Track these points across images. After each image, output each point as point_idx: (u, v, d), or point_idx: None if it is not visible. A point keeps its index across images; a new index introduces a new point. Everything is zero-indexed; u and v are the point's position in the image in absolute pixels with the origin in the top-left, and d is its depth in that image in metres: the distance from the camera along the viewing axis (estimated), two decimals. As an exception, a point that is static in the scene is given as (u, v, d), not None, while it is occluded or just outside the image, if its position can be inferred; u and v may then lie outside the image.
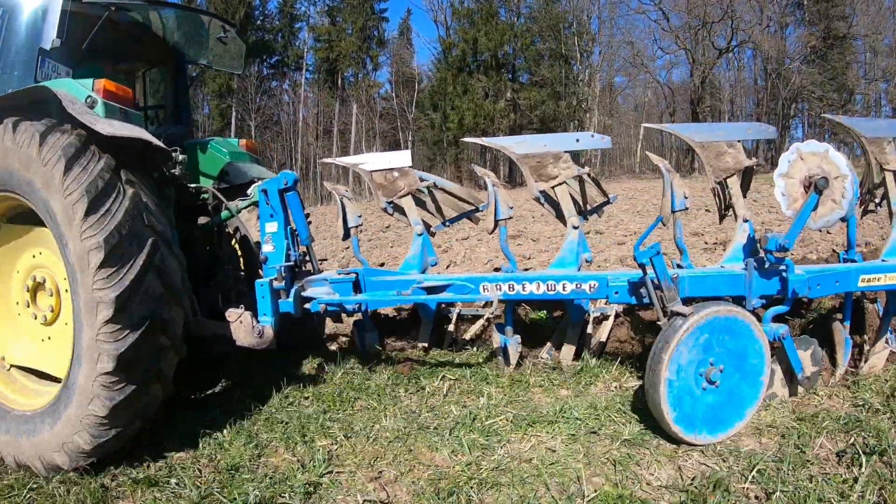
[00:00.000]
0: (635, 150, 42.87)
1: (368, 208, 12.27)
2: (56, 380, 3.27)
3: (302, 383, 4.18)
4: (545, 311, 4.87)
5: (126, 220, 2.89)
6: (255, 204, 4.14)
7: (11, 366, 3.47)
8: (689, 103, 40.40)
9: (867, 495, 2.48)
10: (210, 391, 4.25)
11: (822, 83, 36.09)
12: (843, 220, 3.50)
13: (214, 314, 3.89)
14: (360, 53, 47.09)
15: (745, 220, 3.71)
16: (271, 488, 2.81)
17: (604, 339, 4.40)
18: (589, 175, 4.07)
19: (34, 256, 3.39)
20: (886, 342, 3.98)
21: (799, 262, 5.60)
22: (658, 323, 3.28)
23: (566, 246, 3.91)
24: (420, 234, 4.41)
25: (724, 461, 2.93)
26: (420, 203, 4.58)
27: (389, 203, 4.45)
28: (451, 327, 4.82)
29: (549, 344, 4.38)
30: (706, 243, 8.78)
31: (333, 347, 5.05)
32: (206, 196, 4.36)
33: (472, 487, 2.76)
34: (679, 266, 3.85)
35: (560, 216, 4.05)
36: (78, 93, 3.22)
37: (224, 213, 4.31)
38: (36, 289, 3.36)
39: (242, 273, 4.77)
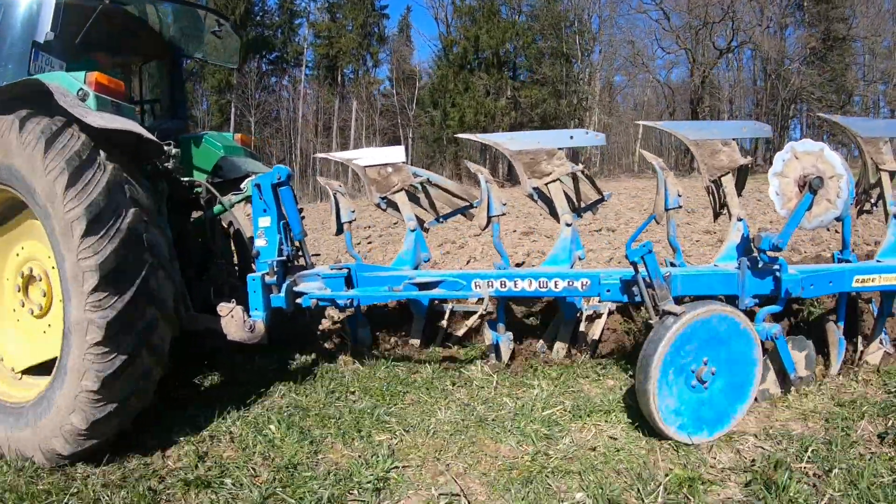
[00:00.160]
0: (634, 150, 42.85)
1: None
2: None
3: (345, 378, 4.12)
4: None
5: (107, 190, 2.89)
6: (249, 198, 4.12)
7: (21, 373, 3.44)
8: (689, 103, 40.38)
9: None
10: (247, 387, 4.11)
11: (822, 84, 36.09)
12: (838, 219, 3.47)
13: (207, 308, 3.88)
14: (361, 50, 47.03)
15: (739, 219, 3.69)
16: (337, 486, 2.75)
17: (596, 336, 4.38)
18: (583, 172, 4.06)
19: (18, 255, 3.40)
20: (881, 343, 3.98)
21: (813, 260, 5.60)
22: (649, 322, 3.26)
23: (559, 243, 3.90)
24: (413, 230, 4.39)
25: (779, 444, 3.01)
26: (413, 199, 4.56)
27: (383, 198, 4.44)
28: (444, 323, 4.80)
29: (541, 341, 4.36)
30: (720, 242, 8.80)
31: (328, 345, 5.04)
32: (199, 190, 4.34)
33: (545, 476, 2.78)
34: (672, 265, 3.83)
35: (553, 213, 4.04)
36: (70, 85, 3.22)
37: (217, 208, 4.29)
38: (27, 283, 3.34)
39: (235, 267, 4.75)
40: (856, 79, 38.14)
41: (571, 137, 3.94)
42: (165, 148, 3.67)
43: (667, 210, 3.76)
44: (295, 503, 2.62)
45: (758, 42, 38.43)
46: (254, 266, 3.98)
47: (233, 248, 4.91)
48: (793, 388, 3.56)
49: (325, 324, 5.22)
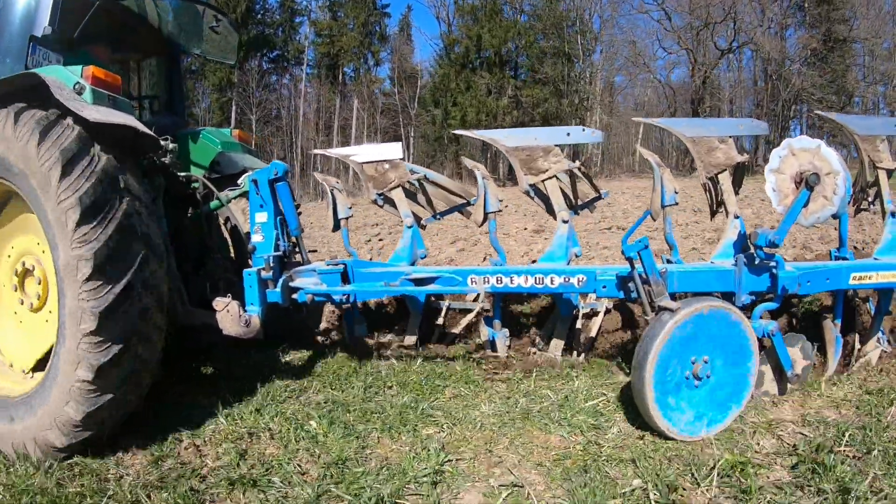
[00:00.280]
0: (635, 149, 42.82)
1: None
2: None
3: (381, 373, 4.10)
4: None
5: (100, 180, 2.89)
6: (246, 194, 4.12)
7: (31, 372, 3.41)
8: (690, 103, 40.37)
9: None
10: (275, 382, 4.03)
11: (822, 85, 36.07)
12: (834, 217, 3.47)
13: (203, 303, 3.87)
14: (362, 49, 47.01)
15: (736, 217, 3.69)
16: (391, 481, 2.71)
17: (593, 334, 4.38)
18: (580, 169, 4.05)
19: (10, 255, 3.39)
20: (878, 341, 3.97)
21: (823, 258, 5.57)
22: (645, 318, 3.26)
23: (555, 240, 3.89)
24: (410, 227, 4.39)
25: (816, 429, 3.09)
26: (410, 195, 4.56)
27: (380, 195, 4.43)
28: (440, 320, 4.80)
29: (537, 338, 4.36)
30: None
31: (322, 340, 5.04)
32: (196, 185, 4.34)
33: (600, 464, 2.81)
34: (669, 261, 3.83)
35: (550, 210, 4.03)
36: (66, 79, 3.21)
37: (214, 203, 4.29)
38: (23, 278, 3.34)
39: (231, 263, 4.74)
40: (856, 80, 38.12)
41: (568, 134, 3.93)
42: (162, 143, 3.67)
43: (663, 207, 3.75)
44: (351, 499, 2.57)
45: (759, 43, 38.41)
46: (250, 261, 3.98)
47: (230, 243, 4.91)
48: (788, 386, 3.56)
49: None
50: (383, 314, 5.13)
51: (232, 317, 3.68)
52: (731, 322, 3.11)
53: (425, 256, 4.49)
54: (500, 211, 4.11)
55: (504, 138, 3.92)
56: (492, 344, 4.23)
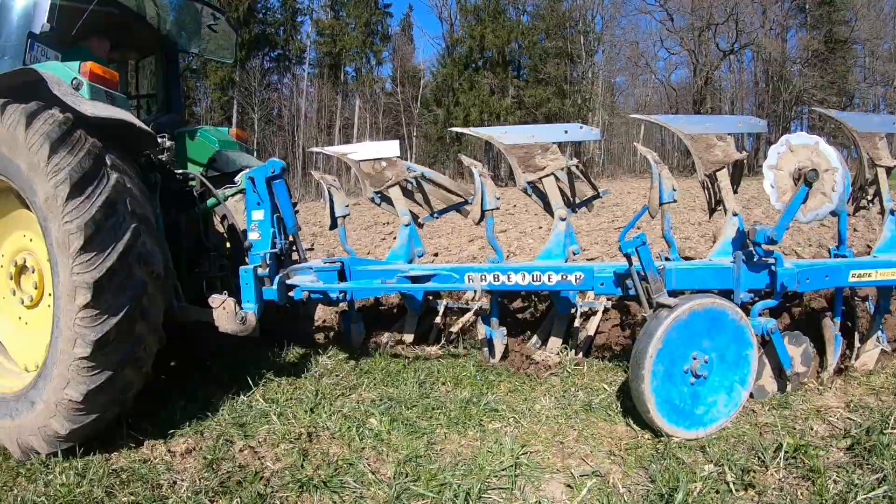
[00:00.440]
0: (636, 149, 42.72)
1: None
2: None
3: (432, 369, 4.07)
4: None
5: (86, 159, 2.87)
6: (243, 192, 4.10)
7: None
8: (692, 104, 40.36)
9: None
10: (328, 382, 3.99)
11: (823, 86, 36.05)
12: (833, 214, 3.45)
13: (199, 300, 3.86)
14: (364, 48, 47.00)
15: (735, 214, 3.66)
16: (470, 476, 2.68)
17: (592, 333, 4.35)
18: (577, 167, 4.03)
19: (3, 255, 3.38)
20: (877, 340, 3.94)
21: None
22: (643, 315, 3.24)
23: (553, 238, 3.88)
24: (407, 225, 4.37)
25: (862, 414, 3.19)
26: (408, 194, 4.54)
27: (377, 193, 4.42)
28: (438, 319, 4.78)
29: (535, 337, 4.34)
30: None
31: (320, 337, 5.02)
32: (193, 183, 4.33)
33: (671, 451, 2.84)
34: (667, 259, 3.80)
35: (548, 208, 4.01)
36: (64, 75, 3.22)
37: (211, 201, 4.28)
38: (20, 272, 3.33)
39: (228, 260, 4.73)
40: (857, 81, 38.11)
41: (566, 132, 3.91)
42: (159, 140, 3.66)
43: (661, 204, 3.73)
44: (434, 496, 2.51)
45: (760, 44, 38.40)
46: (247, 259, 3.97)
47: (227, 240, 4.89)
48: (787, 385, 3.53)
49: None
50: (381, 313, 5.11)
51: (228, 314, 3.67)
52: (729, 320, 3.08)
53: (422, 255, 4.47)
54: (497, 209, 4.09)
55: (502, 135, 3.91)
56: (489, 342, 4.20)
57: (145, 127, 3.26)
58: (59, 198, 2.78)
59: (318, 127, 46.38)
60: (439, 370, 4.06)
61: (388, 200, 4.45)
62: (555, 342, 4.22)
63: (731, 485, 2.54)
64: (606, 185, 4.07)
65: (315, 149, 5.02)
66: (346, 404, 3.55)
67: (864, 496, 2.37)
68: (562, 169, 3.98)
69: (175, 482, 2.68)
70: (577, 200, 4.27)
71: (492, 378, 3.90)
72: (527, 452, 2.91)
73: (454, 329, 4.76)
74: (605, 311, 4.51)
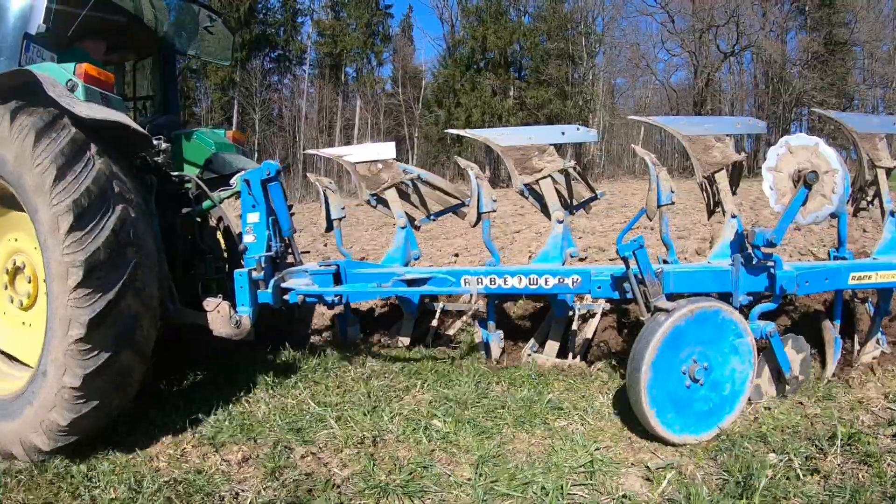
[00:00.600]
0: (635, 151, 42.69)
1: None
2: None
3: (482, 369, 4.03)
4: None
5: (72, 145, 2.88)
6: (238, 194, 4.08)
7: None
8: (692, 105, 40.35)
9: None
10: (378, 384, 3.89)
11: (823, 88, 36.05)
12: (833, 216, 3.42)
13: (195, 303, 3.83)
14: (365, 49, 47.00)
15: (734, 216, 3.63)
16: (549, 473, 2.67)
17: (589, 336, 4.32)
18: (575, 169, 4.00)
19: None
20: (877, 342, 3.92)
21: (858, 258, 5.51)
22: (641, 318, 3.21)
23: (550, 240, 3.85)
24: (403, 228, 4.34)
25: (885, 413, 3.26)
26: (404, 196, 4.52)
27: (373, 195, 4.39)
28: (434, 322, 4.75)
29: (532, 340, 4.30)
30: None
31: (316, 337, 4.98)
32: (189, 185, 4.30)
33: (736, 441, 2.92)
34: (665, 262, 3.77)
35: (545, 210, 3.98)
36: (59, 76, 3.20)
37: (206, 203, 4.25)
38: (14, 276, 3.31)
39: (223, 263, 4.70)
40: (856, 83, 38.12)
41: (563, 133, 3.88)
42: (155, 142, 3.64)
43: (659, 206, 3.70)
44: (520, 496, 2.50)
45: (760, 46, 38.40)
46: (242, 262, 3.94)
47: (222, 243, 4.86)
48: (786, 388, 3.50)
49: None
50: (377, 316, 5.08)
51: (223, 317, 3.64)
52: (728, 323, 3.05)
53: (419, 258, 4.44)
54: (494, 211, 4.06)
55: (498, 137, 3.88)
56: (486, 345, 4.17)
57: (140, 128, 3.24)
58: (46, 182, 2.78)
59: (319, 128, 46.37)
60: (489, 371, 4.01)
61: (385, 203, 4.42)
62: (552, 345, 4.18)
63: (798, 471, 2.63)
64: (606, 187, 4.05)
65: (311, 150, 5.00)
66: (403, 406, 3.47)
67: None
68: (559, 171, 3.95)
69: (237, 493, 2.55)
70: (575, 202, 4.24)
71: (548, 377, 3.87)
72: (598, 448, 2.94)
73: (450, 331, 4.73)
74: (604, 314, 4.48)
